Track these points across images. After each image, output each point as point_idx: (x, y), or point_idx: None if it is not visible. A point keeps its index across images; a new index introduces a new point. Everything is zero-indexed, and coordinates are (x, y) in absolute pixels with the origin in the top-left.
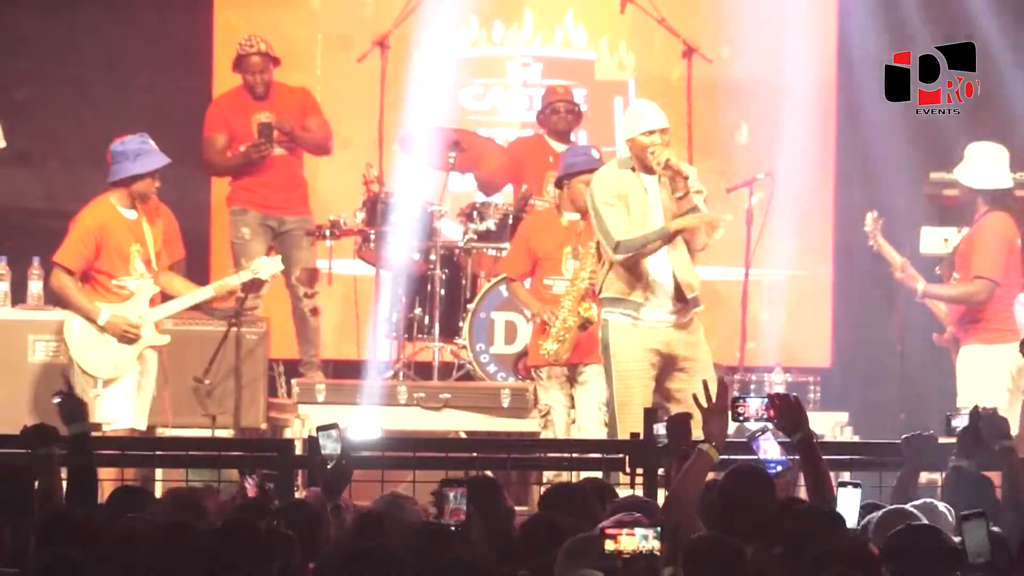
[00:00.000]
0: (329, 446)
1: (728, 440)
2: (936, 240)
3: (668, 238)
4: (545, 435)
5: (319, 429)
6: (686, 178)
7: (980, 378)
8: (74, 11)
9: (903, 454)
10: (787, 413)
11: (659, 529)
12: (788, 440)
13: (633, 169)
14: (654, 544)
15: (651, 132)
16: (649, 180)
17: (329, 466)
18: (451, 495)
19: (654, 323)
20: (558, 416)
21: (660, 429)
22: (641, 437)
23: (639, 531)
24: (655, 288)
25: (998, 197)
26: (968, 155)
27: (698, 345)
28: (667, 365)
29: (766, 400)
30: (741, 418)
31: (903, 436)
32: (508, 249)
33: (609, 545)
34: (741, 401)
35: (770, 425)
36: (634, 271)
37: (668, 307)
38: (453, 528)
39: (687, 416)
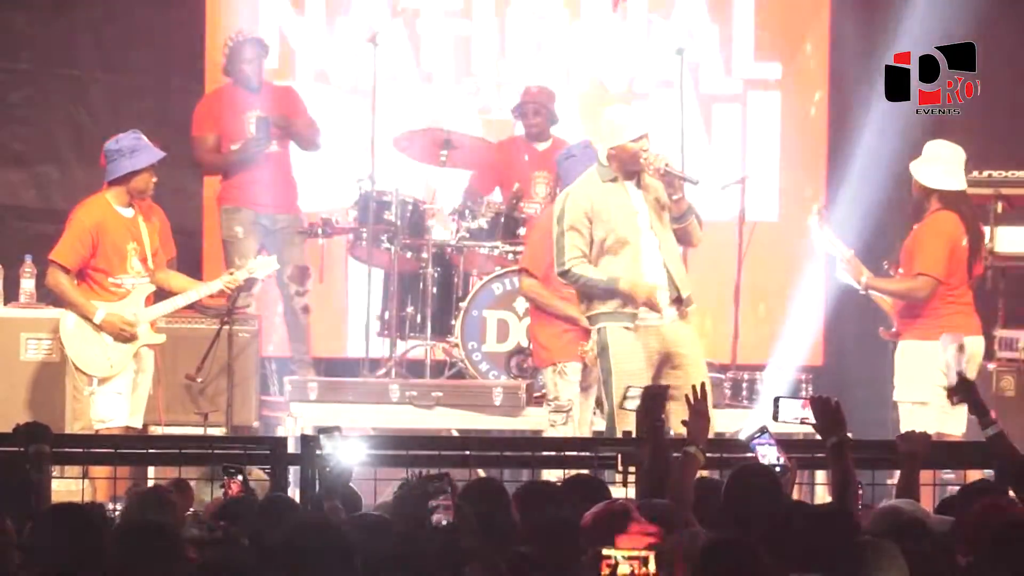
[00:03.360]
0: (329, 448)
1: (725, 440)
2: None
3: (612, 293)
4: (562, 430)
5: (320, 431)
6: (695, 183)
7: (917, 374)
8: (68, 12)
9: (899, 452)
10: (826, 416)
11: (656, 551)
12: (777, 443)
13: (615, 179)
14: (651, 567)
15: (640, 138)
16: (631, 186)
17: (328, 468)
18: (436, 492)
19: (652, 324)
20: (577, 413)
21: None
22: (635, 436)
23: (638, 552)
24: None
25: (949, 198)
26: (926, 152)
27: (691, 341)
28: (663, 363)
29: (803, 401)
30: (779, 418)
31: (899, 435)
32: (527, 245)
33: (606, 571)
34: (783, 401)
35: (768, 427)
36: (627, 281)
37: (663, 308)
38: (445, 524)
39: (664, 389)
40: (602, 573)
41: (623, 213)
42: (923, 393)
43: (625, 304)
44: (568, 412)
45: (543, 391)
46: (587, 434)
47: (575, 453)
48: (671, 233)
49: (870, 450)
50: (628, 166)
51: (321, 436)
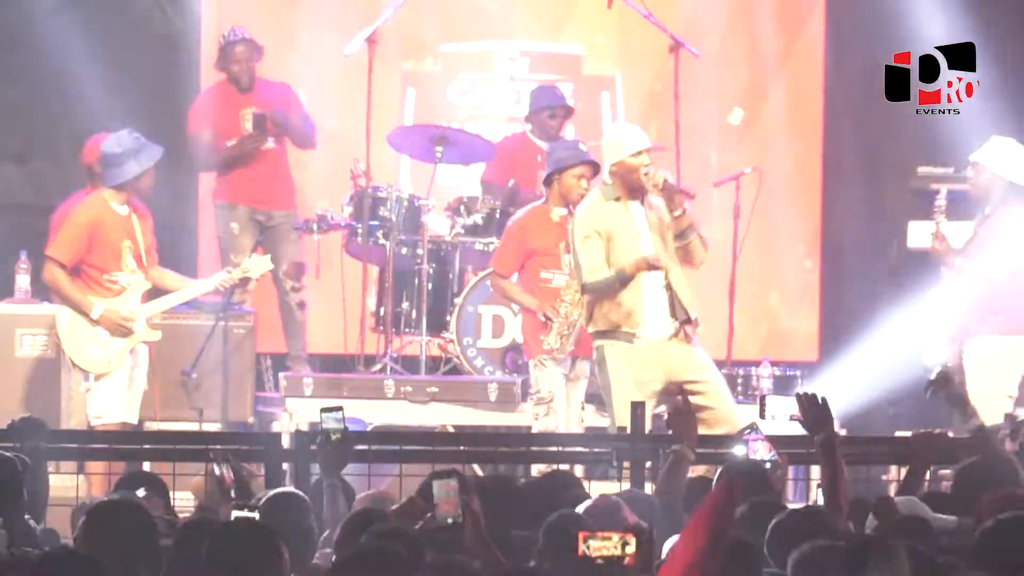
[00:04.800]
0: (332, 425)
1: (716, 437)
2: (924, 234)
3: (627, 280)
4: (544, 422)
5: (323, 410)
6: (692, 196)
7: (999, 369)
8: (64, 8)
9: (912, 450)
10: (813, 412)
11: (636, 535)
12: (767, 439)
13: (618, 199)
14: (629, 551)
15: (639, 153)
16: (635, 206)
17: (329, 446)
18: (442, 488)
19: (651, 343)
20: (560, 405)
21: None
22: (628, 431)
23: (616, 537)
24: (647, 315)
25: (1016, 191)
26: (994, 145)
27: (695, 352)
28: (673, 380)
29: (792, 398)
30: (767, 415)
31: (913, 432)
32: (498, 245)
33: (584, 549)
34: (769, 399)
35: (759, 423)
36: (625, 301)
37: (664, 326)
38: (451, 521)
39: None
40: (579, 554)
41: (627, 233)
42: (1005, 389)
43: (624, 323)
44: (549, 404)
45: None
46: (576, 428)
47: (571, 449)
48: (675, 254)
49: (865, 446)
50: (629, 182)
51: (323, 413)
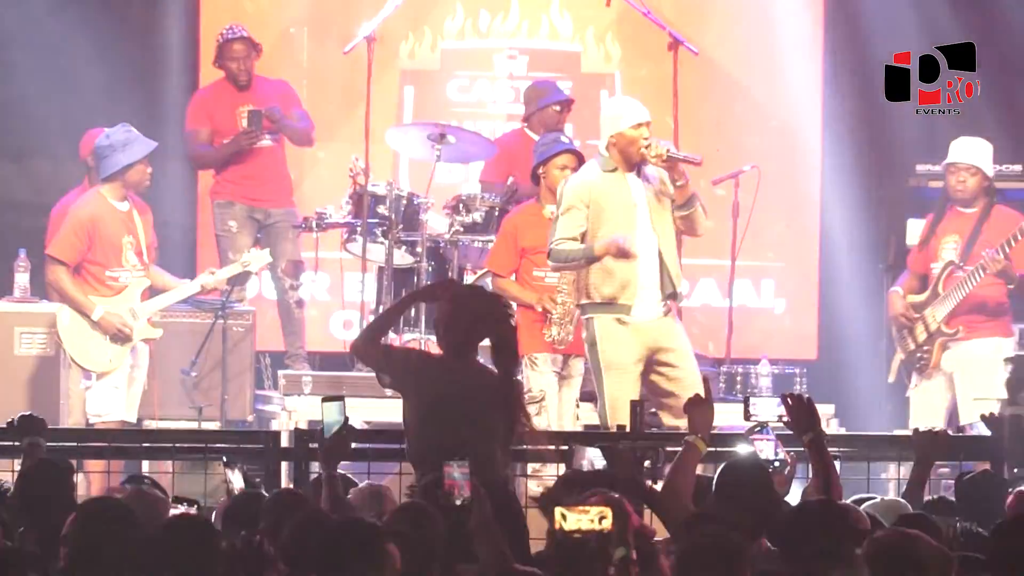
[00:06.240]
0: (331, 417)
1: (723, 433)
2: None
3: (593, 259)
4: (536, 421)
5: (324, 400)
6: (699, 163)
7: (991, 371)
8: (62, 5)
9: (914, 448)
10: (799, 413)
11: (611, 510)
12: (776, 439)
13: (615, 170)
14: (605, 525)
15: (639, 125)
16: (631, 178)
17: (327, 437)
18: (452, 470)
19: (642, 321)
20: (552, 404)
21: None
22: (627, 429)
23: (592, 511)
24: (641, 288)
25: (993, 188)
26: (970, 145)
27: (679, 336)
28: (654, 358)
29: (779, 399)
30: (753, 417)
31: (913, 429)
32: (493, 244)
33: (560, 523)
34: (753, 400)
35: (770, 419)
36: (620, 273)
37: (655, 303)
38: (459, 503)
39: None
40: (556, 527)
41: (621, 205)
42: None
43: (619, 297)
44: (541, 403)
45: None
46: (570, 426)
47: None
48: (671, 227)
49: (863, 444)
50: (628, 154)
51: (324, 405)
